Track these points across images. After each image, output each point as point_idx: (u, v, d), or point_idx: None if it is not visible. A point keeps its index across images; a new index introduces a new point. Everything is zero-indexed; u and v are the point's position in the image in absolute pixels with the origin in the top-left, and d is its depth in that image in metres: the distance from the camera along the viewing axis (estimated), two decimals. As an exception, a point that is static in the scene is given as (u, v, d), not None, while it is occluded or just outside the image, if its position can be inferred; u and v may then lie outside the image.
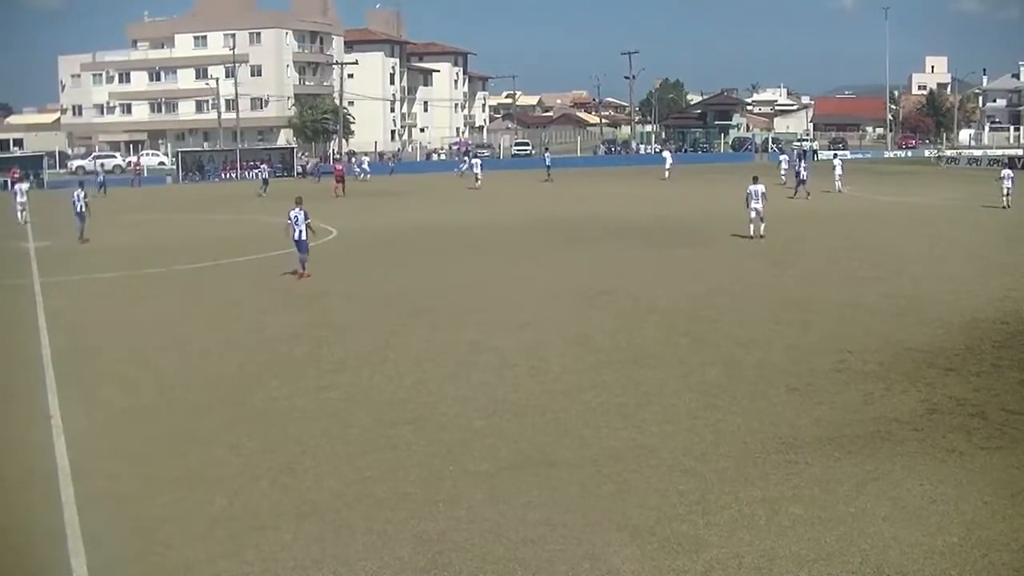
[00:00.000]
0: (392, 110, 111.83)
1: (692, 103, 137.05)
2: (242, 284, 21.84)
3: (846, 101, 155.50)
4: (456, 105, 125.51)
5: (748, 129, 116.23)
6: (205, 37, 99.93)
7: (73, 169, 75.81)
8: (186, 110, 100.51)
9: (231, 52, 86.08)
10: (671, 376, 12.70)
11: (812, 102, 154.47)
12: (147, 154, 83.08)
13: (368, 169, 65.44)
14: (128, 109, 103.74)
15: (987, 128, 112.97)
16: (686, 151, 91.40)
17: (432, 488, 8.98)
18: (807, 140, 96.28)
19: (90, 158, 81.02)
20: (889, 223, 32.34)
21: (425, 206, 42.66)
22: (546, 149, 78.81)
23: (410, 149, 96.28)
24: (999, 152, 77.29)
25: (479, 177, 53.59)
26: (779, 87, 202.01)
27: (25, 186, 38.93)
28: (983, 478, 8.90)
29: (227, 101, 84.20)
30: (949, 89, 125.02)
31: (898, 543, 7.58)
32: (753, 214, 26.80)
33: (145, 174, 68.02)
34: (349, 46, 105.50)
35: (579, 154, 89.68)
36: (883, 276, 20.64)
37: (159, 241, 31.20)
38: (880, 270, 21.50)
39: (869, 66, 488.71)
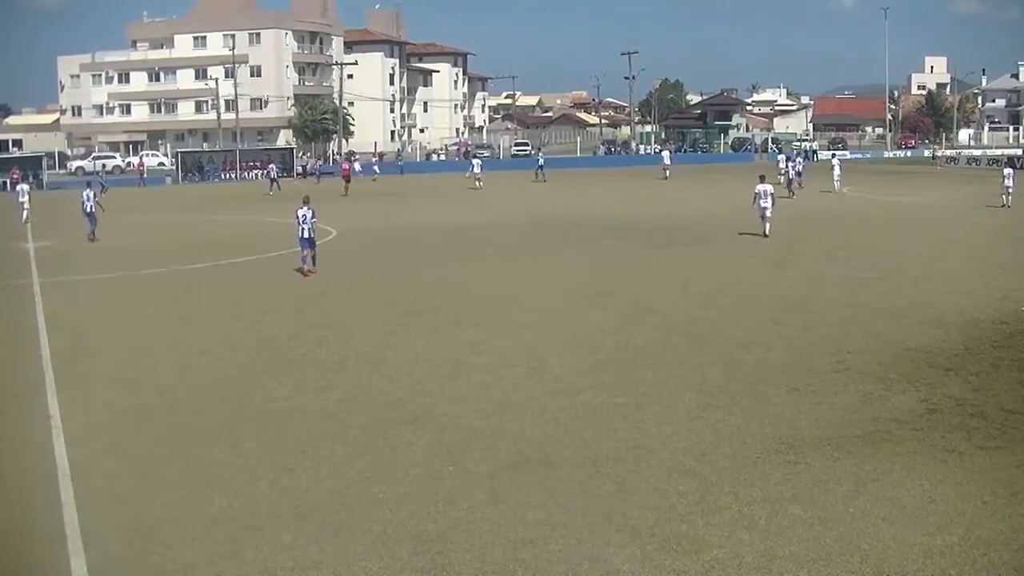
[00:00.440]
0: (392, 110, 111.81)
1: (692, 103, 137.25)
2: (242, 284, 21.84)
3: (846, 101, 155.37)
4: (456, 105, 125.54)
5: (748, 129, 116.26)
6: (205, 37, 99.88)
7: (72, 170, 75.79)
8: (186, 111, 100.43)
9: (231, 52, 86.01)
10: (671, 376, 12.70)
11: (812, 102, 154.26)
12: (147, 154, 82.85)
13: (376, 170, 65.50)
14: (127, 110, 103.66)
15: (986, 128, 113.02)
16: (686, 151, 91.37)
17: (432, 488, 8.98)
18: (807, 140, 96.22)
19: (90, 159, 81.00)
20: (889, 223, 32.36)
21: (425, 206, 42.63)
22: (539, 149, 78.66)
23: (409, 150, 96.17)
24: (998, 152, 77.33)
25: (479, 177, 53.64)
26: (779, 87, 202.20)
27: (25, 187, 39.05)
28: (982, 478, 8.91)
29: (227, 101, 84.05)
30: (948, 89, 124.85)
31: (898, 543, 7.58)
32: (763, 213, 27.03)
33: (145, 175, 68.09)
34: (349, 46, 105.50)
35: (579, 154, 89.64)
36: (883, 276, 20.65)
37: (159, 241, 31.21)
38: (880, 270, 21.50)
39: (869, 66, 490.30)
